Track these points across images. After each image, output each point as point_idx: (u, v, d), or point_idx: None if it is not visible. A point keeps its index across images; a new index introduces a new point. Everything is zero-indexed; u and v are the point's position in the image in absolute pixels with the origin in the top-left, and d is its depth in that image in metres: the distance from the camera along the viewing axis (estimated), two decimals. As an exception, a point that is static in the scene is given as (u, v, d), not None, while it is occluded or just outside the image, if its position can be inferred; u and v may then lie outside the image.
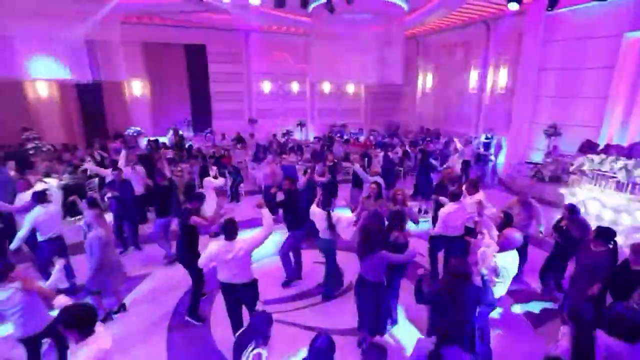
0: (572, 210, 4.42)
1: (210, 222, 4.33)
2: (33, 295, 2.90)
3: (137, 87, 13.81)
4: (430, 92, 15.50)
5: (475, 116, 12.85)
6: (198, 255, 3.67)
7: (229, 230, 3.34)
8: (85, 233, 4.47)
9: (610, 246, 3.61)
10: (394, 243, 3.59)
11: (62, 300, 2.70)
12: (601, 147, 8.07)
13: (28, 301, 2.88)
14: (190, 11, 10.67)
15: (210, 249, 3.38)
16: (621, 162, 6.70)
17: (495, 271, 3.20)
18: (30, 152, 9.42)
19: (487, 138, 11.90)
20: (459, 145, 9.36)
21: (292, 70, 15.24)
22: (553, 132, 9.01)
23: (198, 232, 4.28)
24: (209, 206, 5.43)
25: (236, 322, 3.61)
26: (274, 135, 12.89)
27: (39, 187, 5.49)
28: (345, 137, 13.82)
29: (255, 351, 2.23)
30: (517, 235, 3.29)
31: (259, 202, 3.76)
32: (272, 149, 10.64)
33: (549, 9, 7.10)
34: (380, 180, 5.39)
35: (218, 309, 4.24)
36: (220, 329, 4.00)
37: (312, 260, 5.37)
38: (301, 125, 14.51)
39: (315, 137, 14.03)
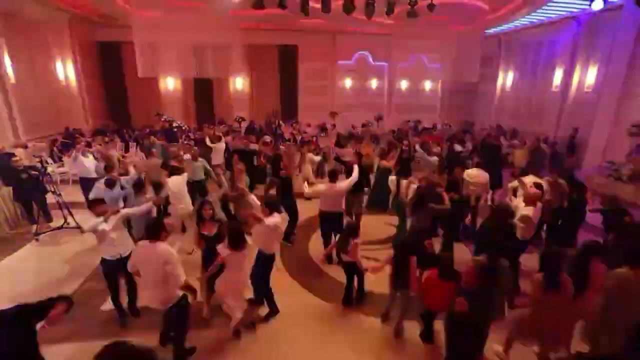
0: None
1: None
2: None
3: (239, 83, 16.40)
4: (510, 90, 15.38)
5: (557, 116, 12.63)
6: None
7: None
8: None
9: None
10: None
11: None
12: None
13: None
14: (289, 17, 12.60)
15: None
16: None
17: None
18: (175, 129, 12.24)
19: (571, 137, 11.67)
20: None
21: (372, 68, 16.52)
22: (637, 131, 8.84)
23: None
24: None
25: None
26: (353, 127, 14.32)
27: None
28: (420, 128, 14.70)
29: None
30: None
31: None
32: (353, 138, 12.07)
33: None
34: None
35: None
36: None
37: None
38: (379, 118, 15.67)
39: (390, 130, 15.08)
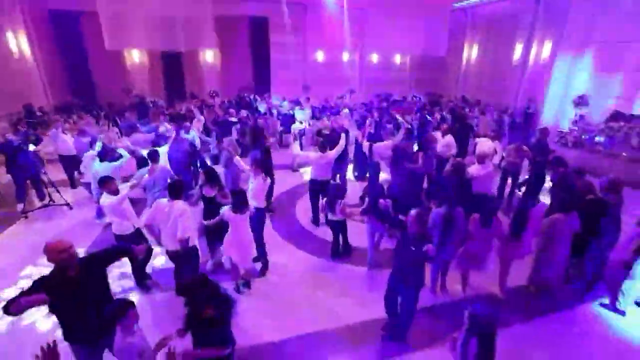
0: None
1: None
2: None
3: (209, 56, 16.03)
4: (475, 63, 16.20)
5: (516, 88, 13.61)
6: None
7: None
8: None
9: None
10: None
11: None
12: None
13: None
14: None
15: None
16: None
17: None
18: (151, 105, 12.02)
19: (527, 108, 12.71)
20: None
21: (344, 42, 16.64)
22: (581, 102, 9.89)
23: None
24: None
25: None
26: (326, 100, 14.65)
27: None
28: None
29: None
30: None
31: None
32: (328, 111, 12.45)
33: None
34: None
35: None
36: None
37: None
38: (352, 92, 16.06)
39: (362, 103, 15.54)
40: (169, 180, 4.86)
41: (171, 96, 15.50)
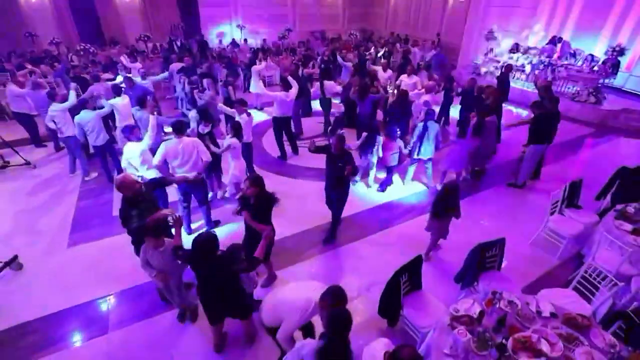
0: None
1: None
2: None
3: (125, -6, 14.33)
4: (402, 0, 16.98)
5: (439, 23, 14.89)
6: None
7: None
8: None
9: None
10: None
11: None
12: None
13: None
14: None
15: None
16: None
17: None
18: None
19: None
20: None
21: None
22: (491, 36, 11.52)
23: None
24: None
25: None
26: (264, 40, 14.50)
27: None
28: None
29: None
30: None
31: None
32: (270, 51, 12.52)
33: None
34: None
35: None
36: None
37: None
38: (289, 30, 15.93)
39: (299, 41, 15.65)
40: None
41: (85, 41, 13.83)
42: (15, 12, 12.58)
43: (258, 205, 3.48)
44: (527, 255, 4.51)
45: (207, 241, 2.74)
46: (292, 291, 2.74)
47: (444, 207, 3.99)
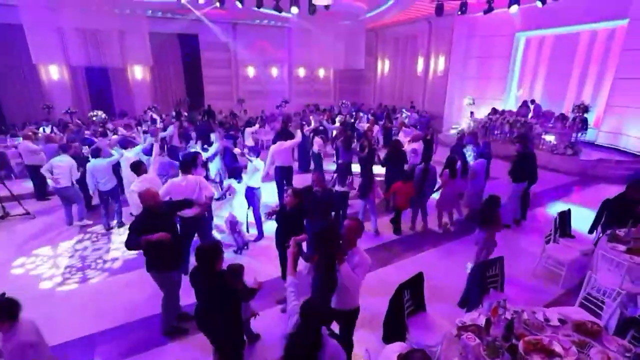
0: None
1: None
2: None
3: (138, 72, 15.83)
4: (387, 75, 18.91)
5: (422, 95, 16.41)
6: None
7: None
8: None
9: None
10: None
11: None
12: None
13: None
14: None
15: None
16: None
17: None
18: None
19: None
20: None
21: (272, 57, 17.91)
22: (472, 102, 12.70)
23: None
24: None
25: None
26: (262, 111, 15.67)
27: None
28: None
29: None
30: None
31: None
32: (266, 121, 13.47)
33: (459, 12, 10.34)
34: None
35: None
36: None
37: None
38: (286, 102, 17.33)
39: (294, 113, 16.91)
40: None
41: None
42: (36, 87, 13.70)
43: (291, 214, 3.92)
44: (530, 287, 4.46)
45: (210, 250, 2.75)
46: None
47: (490, 215, 4.28)
